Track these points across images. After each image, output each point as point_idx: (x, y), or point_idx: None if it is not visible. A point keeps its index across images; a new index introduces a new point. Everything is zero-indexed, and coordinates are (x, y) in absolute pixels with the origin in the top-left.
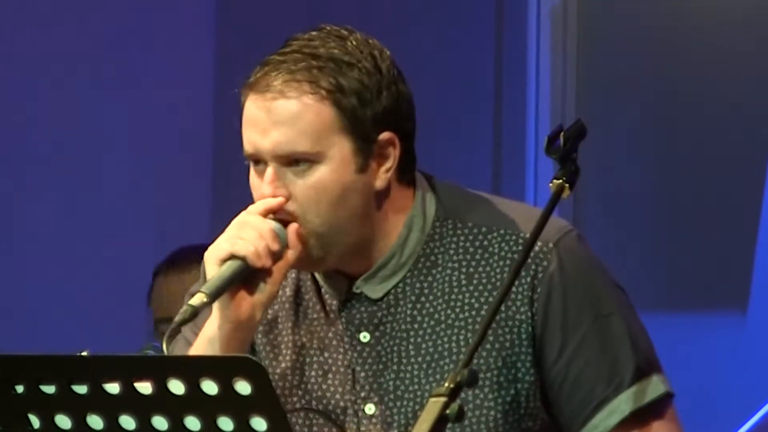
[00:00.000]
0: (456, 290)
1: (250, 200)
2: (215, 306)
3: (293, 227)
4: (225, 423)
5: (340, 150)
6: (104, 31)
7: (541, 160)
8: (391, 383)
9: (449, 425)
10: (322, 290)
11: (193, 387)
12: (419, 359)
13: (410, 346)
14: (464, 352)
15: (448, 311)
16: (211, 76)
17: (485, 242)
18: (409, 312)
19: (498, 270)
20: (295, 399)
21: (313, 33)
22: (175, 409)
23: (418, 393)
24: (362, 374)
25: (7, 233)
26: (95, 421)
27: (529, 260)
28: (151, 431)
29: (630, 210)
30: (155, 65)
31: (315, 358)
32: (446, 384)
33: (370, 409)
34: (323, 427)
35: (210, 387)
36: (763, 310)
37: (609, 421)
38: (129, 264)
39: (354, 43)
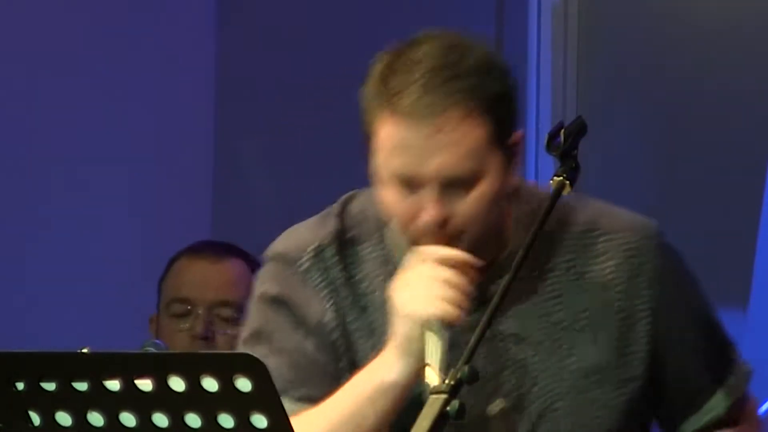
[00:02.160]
0: (566, 292)
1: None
2: (398, 354)
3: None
4: (225, 420)
5: (496, 163)
6: (104, 31)
7: (541, 157)
8: (513, 382)
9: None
10: None
11: (194, 384)
12: (541, 358)
13: (526, 347)
14: (586, 350)
15: (561, 313)
16: (212, 75)
17: (587, 241)
18: (519, 312)
19: (607, 270)
20: None
21: (433, 45)
22: (176, 406)
23: (543, 393)
24: (482, 371)
25: (6, 232)
26: (96, 418)
27: (643, 257)
28: (151, 428)
29: (630, 207)
30: (155, 64)
31: None
32: (447, 381)
33: (497, 405)
34: None
35: (210, 384)
36: (763, 310)
37: (725, 402)
38: (130, 262)
39: (477, 49)
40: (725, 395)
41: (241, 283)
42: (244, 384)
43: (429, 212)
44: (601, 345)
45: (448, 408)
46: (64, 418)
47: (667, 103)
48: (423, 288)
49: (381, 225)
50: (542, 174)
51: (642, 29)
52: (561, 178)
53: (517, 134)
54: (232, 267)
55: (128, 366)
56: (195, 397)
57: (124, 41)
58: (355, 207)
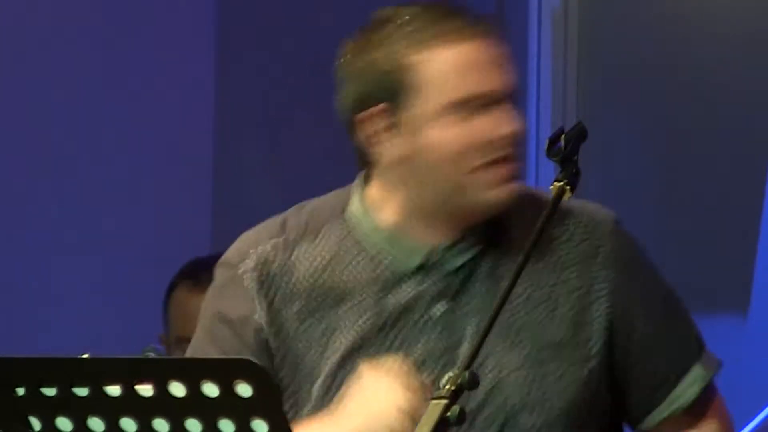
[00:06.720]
0: (525, 271)
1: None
2: None
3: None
4: (226, 425)
5: None
6: (104, 31)
7: (542, 163)
8: (467, 355)
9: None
10: (383, 263)
11: (194, 389)
12: (495, 331)
13: (483, 322)
14: (542, 325)
15: (525, 286)
16: (212, 76)
17: (547, 226)
18: (483, 286)
19: (565, 251)
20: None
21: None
22: (176, 411)
23: (497, 365)
24: (439, 345)
25: (6, 234)
26: (96, 423)
27: (597, 240)
28: None
29: (630, 211)
30: (155, 64)
31: (386, 332)
32: (447, 386)
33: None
34: None
35: (211, 389)
36: (764, 312)
37: (692, 389)
38: (130, 266)
39: None
40: (690, 385)
41: None
42: (244, 389)
43: (512, 125)
44: (557, 321)
45: (448, 413)
46: (64, 424)
47: (667, 106)
48: (398, 407)
49: (324, 222)
50: (543, 179)
51: (642, 33)
52: (561, 183)
53: None
54: None
55: (128, 371)
56: (195, 403)
57: (124, 41)
58: (304, 212)
